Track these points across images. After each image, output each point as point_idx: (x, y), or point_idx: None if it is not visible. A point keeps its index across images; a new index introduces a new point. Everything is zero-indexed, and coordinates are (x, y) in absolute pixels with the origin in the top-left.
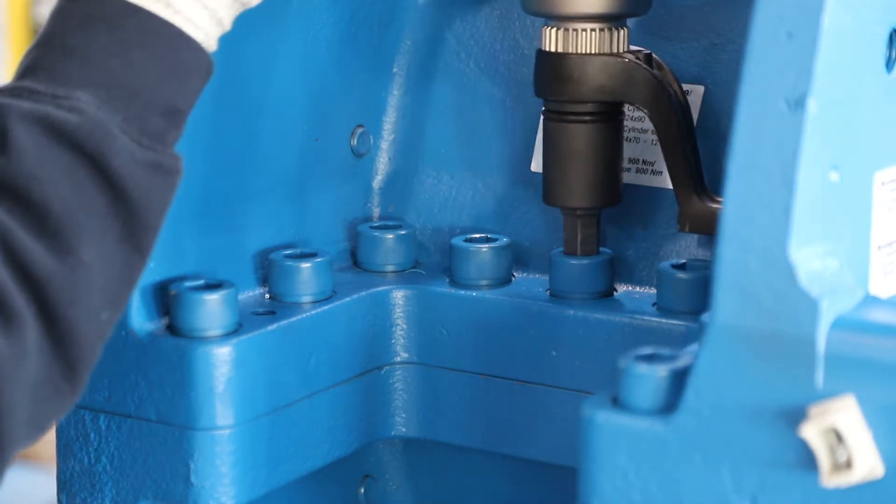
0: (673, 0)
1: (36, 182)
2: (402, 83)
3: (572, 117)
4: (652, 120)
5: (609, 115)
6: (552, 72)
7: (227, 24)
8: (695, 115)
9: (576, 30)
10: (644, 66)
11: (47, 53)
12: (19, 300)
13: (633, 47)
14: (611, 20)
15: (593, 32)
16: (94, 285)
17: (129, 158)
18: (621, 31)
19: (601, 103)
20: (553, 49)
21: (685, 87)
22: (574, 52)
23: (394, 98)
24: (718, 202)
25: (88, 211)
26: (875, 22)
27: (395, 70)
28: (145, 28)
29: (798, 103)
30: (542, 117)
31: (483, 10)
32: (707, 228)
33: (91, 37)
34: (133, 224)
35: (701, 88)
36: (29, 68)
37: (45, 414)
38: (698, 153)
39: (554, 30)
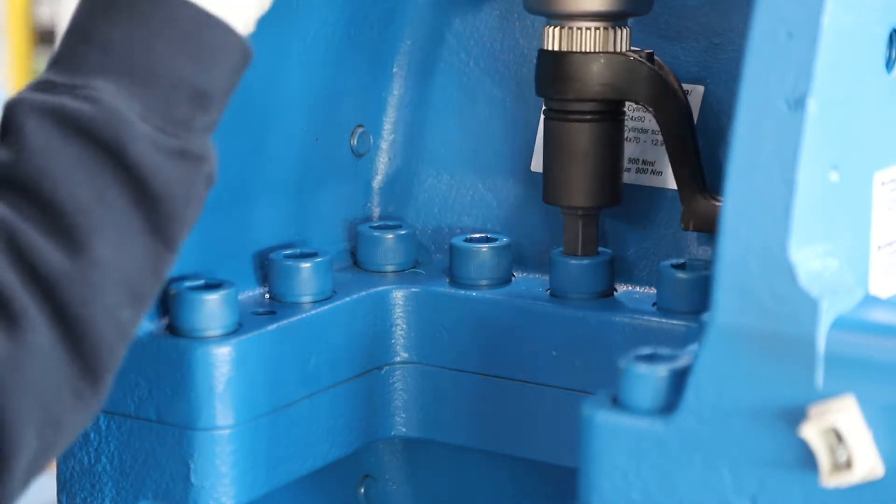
0: (673, 0)
1: (46, 177)
2: (402, 83)
3: (573, 116)
4: (656, 118)
5: (610, 115)
6: (554, 70)
7: (267, 4)
8: (695, 115)
9: (580, 28)
10: (648, 63)
11: (70, 43)
12: (26, 301)
13: (633, 47)
14: (613, 19)
15: (597, 31)
16: (110, 282)
17: (150, 146)
18: (623, 31)
19: (602, 102)
20: (555, 48)
21: (685, 87)
22: (577, 50)
23: (394, 98)
24: (720, 201)
25: (105, 204)
26: (875, 22)
27: (395, 70)
28: (168, 12)
29: (798, 103)
30: (542, 117)
31: (483, 10)
32: (711, 227)
33: (113, 23)
34: (157, 215)
35: (701, 88)
36: (54, 59)
37: (66, 419)
38: (699, 152)
39: (556, 28)
